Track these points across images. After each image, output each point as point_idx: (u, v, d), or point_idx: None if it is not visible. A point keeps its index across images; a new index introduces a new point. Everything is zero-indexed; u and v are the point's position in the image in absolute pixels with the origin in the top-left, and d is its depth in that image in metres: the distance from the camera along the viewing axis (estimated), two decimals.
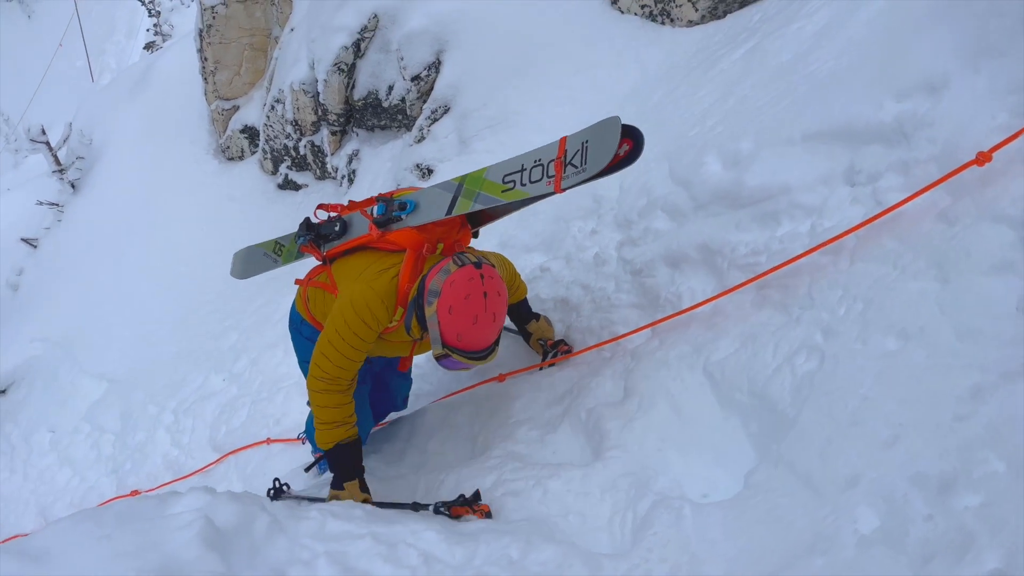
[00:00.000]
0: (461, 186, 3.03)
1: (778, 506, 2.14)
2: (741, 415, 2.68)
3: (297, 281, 3.54)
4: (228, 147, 9.62)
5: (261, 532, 2.34)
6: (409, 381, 3.99)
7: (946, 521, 1.77)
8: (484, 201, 2.94)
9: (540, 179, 2.79)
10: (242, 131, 9.43)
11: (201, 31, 9.20)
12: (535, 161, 2.84)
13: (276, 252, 4.07)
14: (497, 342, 2.78)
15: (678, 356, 3.06)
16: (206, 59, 9.40)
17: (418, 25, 6.50)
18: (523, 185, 2.84)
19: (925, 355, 2.13)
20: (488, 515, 2.74)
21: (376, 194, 3.37)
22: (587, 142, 2.67)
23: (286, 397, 5.95)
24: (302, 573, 2.17)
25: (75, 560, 2.11)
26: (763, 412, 2.56)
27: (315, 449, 4.13)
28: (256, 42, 9.20)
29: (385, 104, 6.99)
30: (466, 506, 2.75)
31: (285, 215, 8.32)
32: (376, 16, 6.84)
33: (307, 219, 3.44)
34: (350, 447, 3.07)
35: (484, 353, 2.73)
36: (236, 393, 6.57)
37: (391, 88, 6.90)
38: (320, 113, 7.65)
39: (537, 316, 3.75)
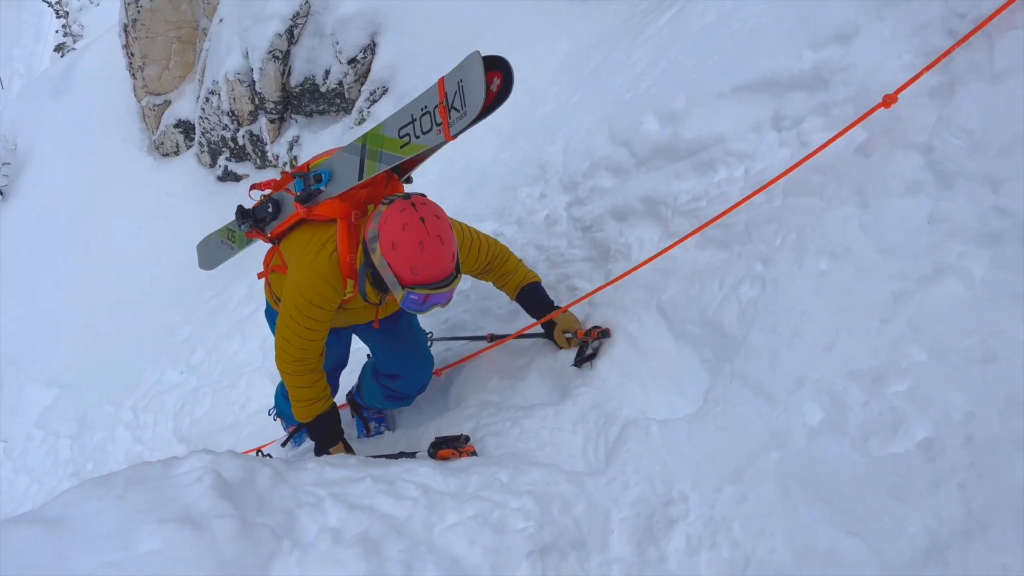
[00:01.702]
0: (364, 147, 2.91)
1: (735, 414, 2.41)
2: (694, 344, 2.94)
3: (259, 275, 3.54)
4: (162, 143, 9.52)
5: (265, 483, 2.49)
6: (420, 332, 3.69)
7: (880, 405, 2.05)
8: (388, 160, 2.84)
9: (430, 128, 2.66)
10: (176, 126, 9.35)
11: (126, 26, 9.06)
12: (422, 109, 2.69)
13: (230, 239, 4.11)
14: (457, 268, 2.71)
15: (632, 299, 3.31)
16: (132, 55, 9.27)
17: (351, 9, 6.60)
18: (417, 137, 2.73)
19: (852, 270, 2.41)
20: (474, 454, 2.90)
21: (290, 169, 3.34)
22: (461, 81, 2.51)
23: (249, 383, 6.03)
24: (311, 514, 2.33)
25: (94, 521, 2.22)
26: (714, 338, 2.83)
27: (289, 423, 4.23)
28: (184, 35, 9.11)
29: (323, 89, 7.07)
30: (452, 448, 2.91)
31: (228, 207, 8.23)
32: (308, 2, 6.90)
33: (240, 206, 3.42)
34: (328, 415, 3.18)
35: (446, 281, 2.65)
36: (196, 384, 6.61)
37: (328, 72, 6.99)
38: (257, 102, 7.68)
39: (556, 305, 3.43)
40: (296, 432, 4.19)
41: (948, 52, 2.42)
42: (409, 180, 3.32)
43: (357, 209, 2.94)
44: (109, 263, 9.04)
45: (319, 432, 3.19)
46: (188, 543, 2.09)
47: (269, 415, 4.81)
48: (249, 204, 3.46)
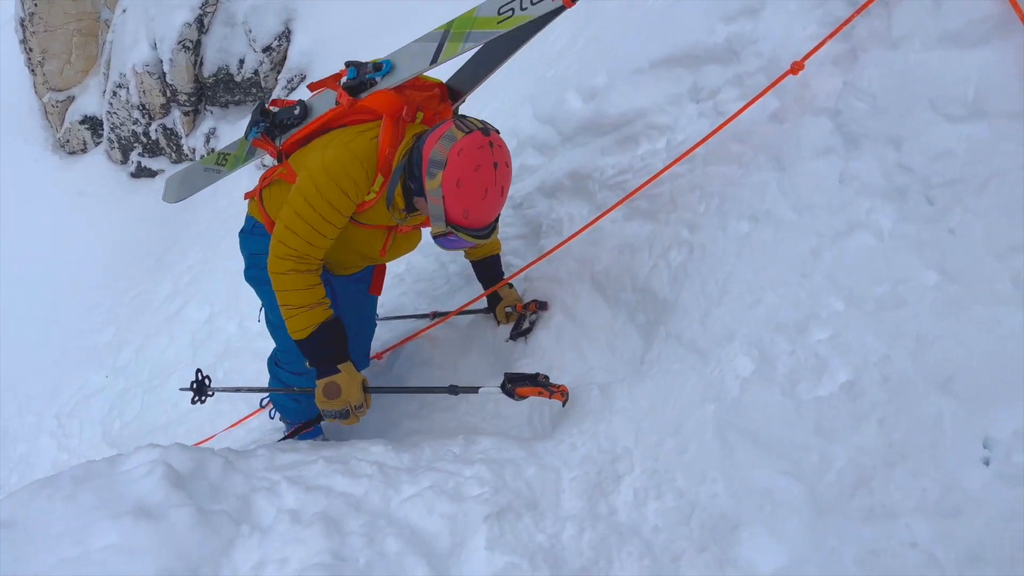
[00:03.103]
0: (447, 32, 2.72)
1: (671, 371, 2.54)
2: (629, 310, 3.06)
3: (247, 195, 3.08)
4: (68, 140, 9.15)
5: (216, 471, 2.49)
6: (373, 326, 3.53)
7: (805, 353, 2.20)
8: (476, 39, 2.64)
9: None
10: (82, 122, 9.00)
11: (23, 20, 8.65)
12: None
13: (220, 163, 3.69)
14: (498, 217, 2.60)
15: (567, 272, 3.41)
16: (31, 50, 8.86)
17: None
18: (524, 9, 2.54)
19: (772, 231, 2.56)
20: (567, 396, 2.65)
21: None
22: None
23: (180, 380, 5.92)
24: (267, 497, 2.36)
25: (45, 520, 2.19)
26: (647, 303, 2.95)
27: (291, 421, 3.51)
28: (85, 27, 8.76)
29: (238, 78, 6.93)
30: (539, 386, 2.61)
31: (145, 203, 8.11)
32: None
33: (261, 104, 3.02)
34: (333, 324, 2.68)
35: (488, 230, 2.54)
36: (124, 386, 6.45)
37: (242, 62, 6.86)
38: (169, 94, 7.47)
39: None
40: (300, 432, 3.45)
41: (848, 20, 2.58)
42: (456, 112, 3.09)
43: (408, 107, 2.69)
44: (18, 268, 8.65)
45: (325, 345, 2.69)
46: (145, 535, 2.09)
47: (260, 405, 3.82)
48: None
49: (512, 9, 2.57)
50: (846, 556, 1.80)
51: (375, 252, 2.95)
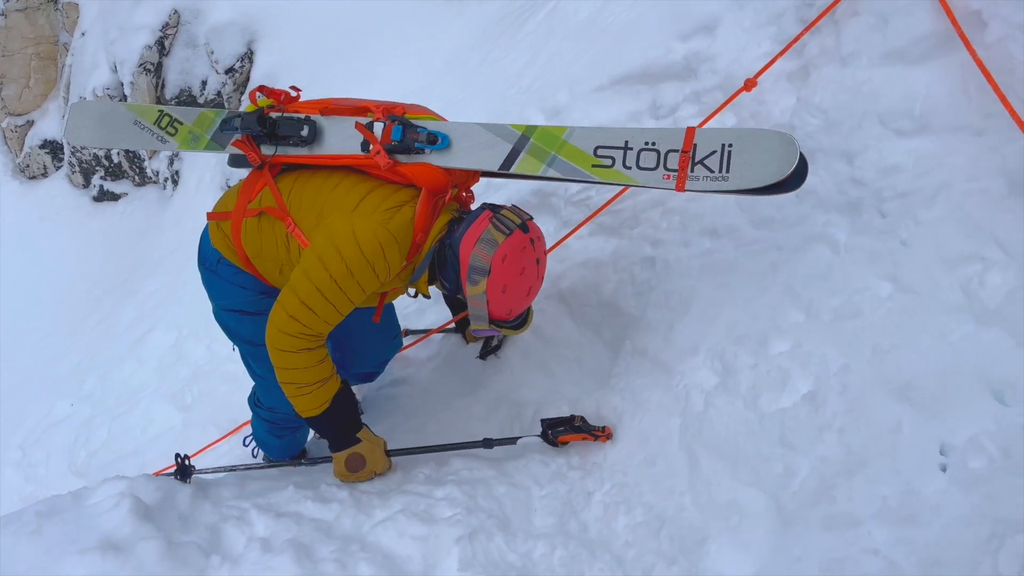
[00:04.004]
0: (527, 140, 2.45)
1: (637, 386, 2.57)
2: (594, 326, 3.09)
3: (212, 216, 2.68)
4: (28, 165, 8.98)
5: (185, 502, 2.47)
6: (398, 342, 3.34)
7: (767, 365, 2.24)
8: (563, 169, 2.39)
9: (655, 168, 2.29)
10: (42, 146, 8.84)
11: None
12: (646, 143, 2.32)
13: (165, 128, 2.93)
14: None
15: None
16: None
17: (224, 17, 6.48)
18: (627, 168, 2.32)
19: (733, 246, 2.61)
20: (610, 437, 2.54)
21: (367, 100, 2.62)
22: (730, 146, 2.21)
23: (148, 406, 5.84)
24: (237, 526, 2.34)
25: (10, 558, 2.17)
26: (613, 319, 2.99)
27: (273, 457, 3.26)
28: (43, 51, 8.64)
29: (200, 100, 6.88)
30: (584, 432, 2.53)
31: (108, 227, 8.01)
32: (176, 12, 6.71)
33: (260, 111, 2.58)
34: (344, 394, 2.50)
35: (522, 318, 2.45)
36: (90, 413, 6.34)
37: (205, 83, 6.82)
38: None
39: None
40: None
41: (798, 38, 2.65)
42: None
43: (451, 188, 2.47)
44: None
45: (337, 419, 2.50)
46: (115, 569, 2.08)
47: (245, 445, 3.55)
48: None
49: (612, 159, 2.34)
50: (810, 564, 1.84)
51: (373, 305, 2.69)
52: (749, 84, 2.72)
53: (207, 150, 2.84)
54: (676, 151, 2.27)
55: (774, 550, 1.94)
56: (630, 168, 2.32)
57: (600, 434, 2.51)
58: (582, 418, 2.58)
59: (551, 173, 2.40)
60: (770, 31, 2.88)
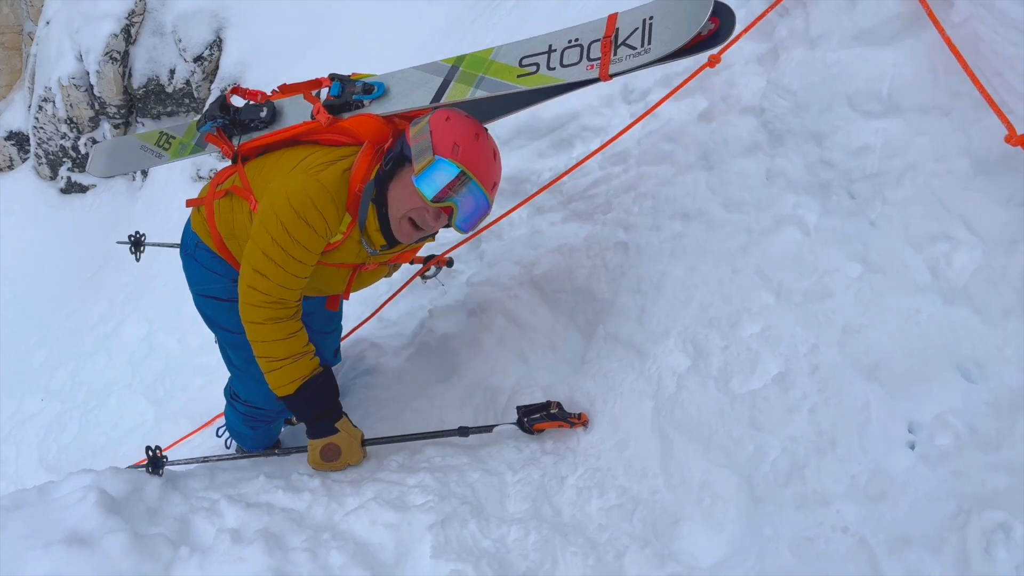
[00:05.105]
0: (456, 69, 2.45)
1: (611, 370, 2.57)
2: (568, 311, 3.09)
3: (190, 202, 2.73)
4: None
5: (154, 494, 2.44)
6: (339, 327, 3.26)
7: (738, 347, 2.24)
8: (490, 87, 2.35)
9: (577, 62, 2.25)
10: (7, 138, 8.71)
11: None
12: (570, 41, 2.30)
13: (162, 145, 3.23)
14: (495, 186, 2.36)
15: (508, 276, 3.42)
16: None
17: (192, 5, 6.39)
18: (551, 69, 2.27)
19: (704, 229, 2.61)
20: (587, 424, 2.52)
21: (322, 76, 2.65)
22: (651, 19, 2.19)
23: (119, 400, 5.78)
24: (207, 517, 2.31)
25: None
26: (586, 304, 2.98)
27: (246, 448, 3.28)
28: (7, 40, 8.50)
29: (169, 89, 6.79)
30: (559, 420, 2.49)
31: (76, 220, 7.89)
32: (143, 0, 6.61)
33: (221, 98, 2.71)
34: (322, 377, 2.45)
35: (489, 192, 2.28)
36: (60, 409, 6.25)
37: (173, 72, 6.72)
38: (97, 107, 7.28)
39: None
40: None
41: (764, 14, 2.65)
42: None
43: (392, 138, 2.43)
44: None
45: (313, 401, 2.43)
46: (80, 562, 2.04)
47: (218, 436, 3.60)
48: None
49: (536, 64, 2.31)
50: (781, 543, 1.84)
51: (339, 291, 2.72)
52: (712, 60, 2.70)
53: (193, 155, 3.08)
54: (599, 40, 2.27)
55: (746, 530, 1.94)
56: (554, 68, 2.30)
57: (576, 421, 2.50)
58: (558, 404, 2.56)
59: (479, 95, 2.38)
60: (740, 14, 2.86)
